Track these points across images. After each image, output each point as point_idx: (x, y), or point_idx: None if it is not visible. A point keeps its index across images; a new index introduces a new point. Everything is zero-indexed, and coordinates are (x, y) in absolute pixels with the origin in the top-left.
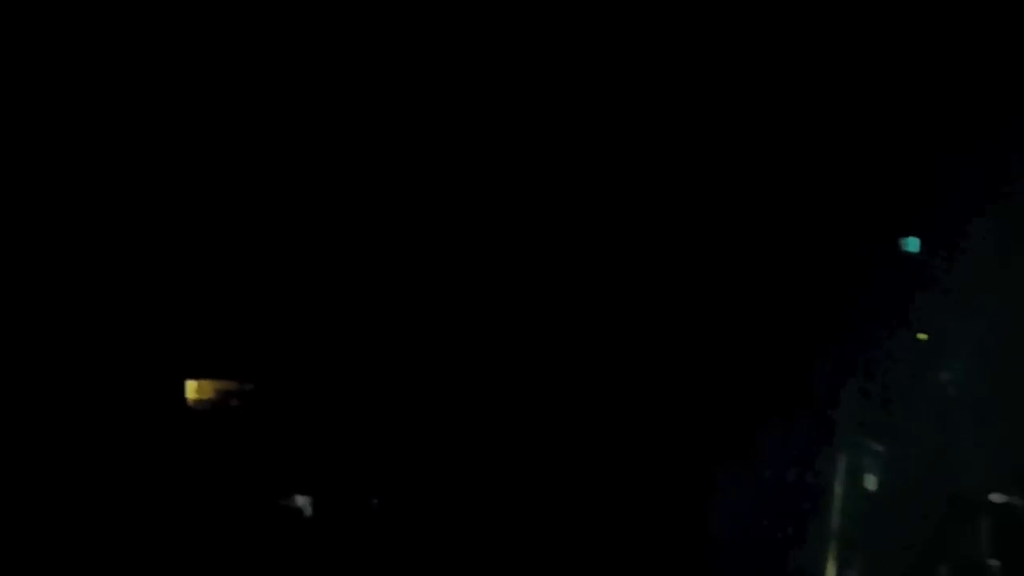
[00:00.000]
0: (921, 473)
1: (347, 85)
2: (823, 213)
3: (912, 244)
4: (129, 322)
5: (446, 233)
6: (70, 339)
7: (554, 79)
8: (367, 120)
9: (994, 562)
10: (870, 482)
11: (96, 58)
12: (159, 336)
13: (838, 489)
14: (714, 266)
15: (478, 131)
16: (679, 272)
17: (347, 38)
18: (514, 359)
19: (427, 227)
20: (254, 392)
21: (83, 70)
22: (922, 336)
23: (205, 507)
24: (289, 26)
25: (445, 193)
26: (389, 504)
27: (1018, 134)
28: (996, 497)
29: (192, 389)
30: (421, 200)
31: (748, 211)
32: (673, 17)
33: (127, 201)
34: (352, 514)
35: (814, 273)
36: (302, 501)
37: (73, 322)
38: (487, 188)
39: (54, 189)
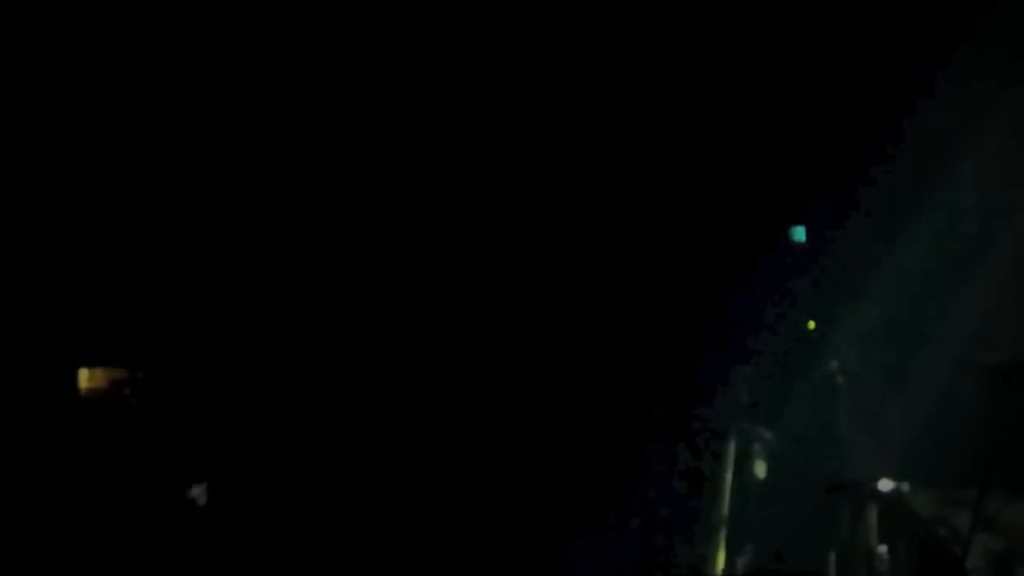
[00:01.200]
0: (809, 460)
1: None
2: (710, 203)
3: (799, 233)
4: (20, 310)
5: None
6: None
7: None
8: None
9: (882, 548)
10: (759, 469)
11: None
12: (51, 324)
13: (726, 476)
14: (602, 255)
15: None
16: (568, 261)
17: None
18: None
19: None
20: (146, 380)
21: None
22: (810, 324)
23: (97, 498)
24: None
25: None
26: (284, 493)
27: (901, 126)
28: (883, 484)
29: (84, 378)
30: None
31: (637, 202)
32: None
33: (19, 188)
34: (248, 504)
35: (702, 262)
36: (197, 491)
37: None
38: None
39: None
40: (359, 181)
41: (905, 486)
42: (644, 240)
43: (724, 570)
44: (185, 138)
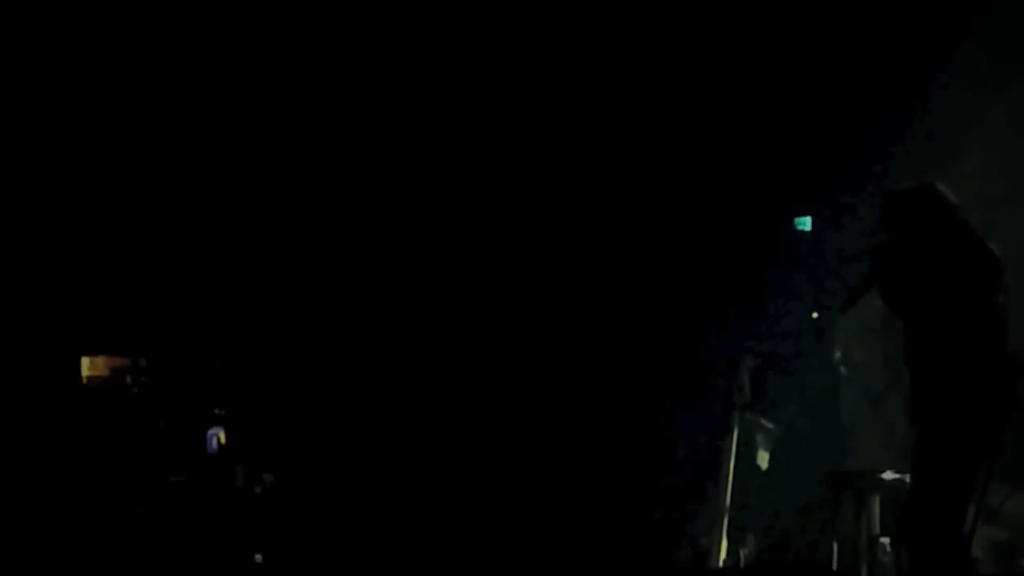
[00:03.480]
0: (813, 451)
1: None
2: (719, 195)
3: (804, 223)
4: (23, 299)
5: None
6: None
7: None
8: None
9: (884, 539)
10: (761, 459)
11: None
12: (54, 314)
13: (731, 466)
14: (612, 247)
15: None
16: (575, 255)
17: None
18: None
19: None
20: (148, 368)
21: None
22: (813, 315)
23: (98, 484)
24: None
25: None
26: (285, 479)
27: (905, 120)
28: (887, 475)
29: (87, 366)
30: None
31: (647, 195)
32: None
33: (18, 182)
34: (240, 491)
35: (709, 254)
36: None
37: None
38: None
39: None
40: (356, 178)
41: (908, 477)
42: (651, 236)
43: (727, 559)
44: (185, 134)
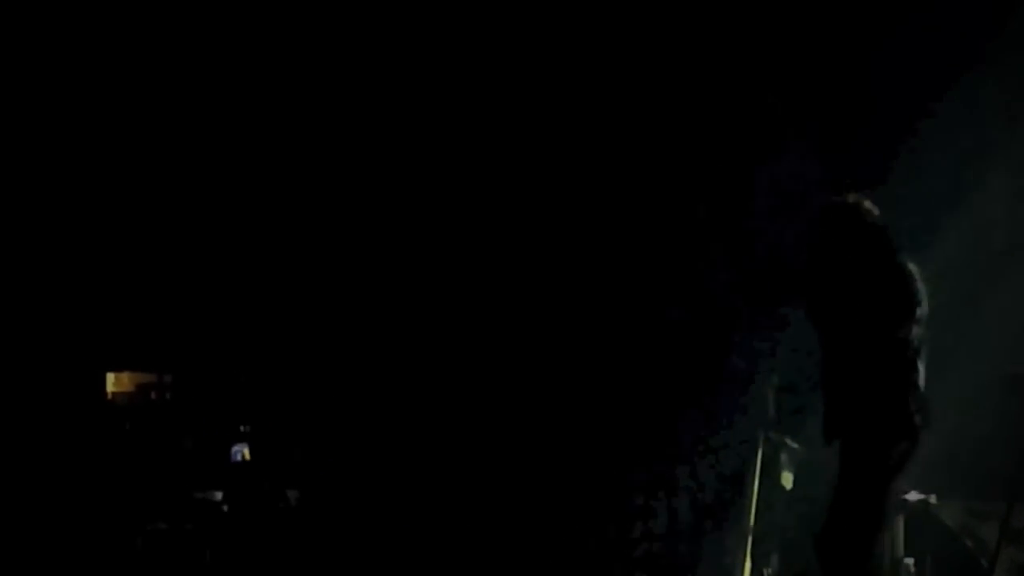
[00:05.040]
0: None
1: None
2: (736, 214)
3: None
4: (49, 316)
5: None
6: None
7: None
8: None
9: (908, 560)
10: (786, 479)
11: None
12: (79, 330)
13: (754, 486)
14: (628, 262)
15: None
16: (593, 266)
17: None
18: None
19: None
20: (173, 385)
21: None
22: None
23: (122, 500)
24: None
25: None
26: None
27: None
28: (910, 496)
29: (112, 382)
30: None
31: (662, 212)
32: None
33: (46, 197)
34: (270, 509)
35: (736, 272)
36: (220, 495)
37: None
38: None
39: None
40: (386, 203)
41: (932, 498)
42: (670, 252)
43: None
44: (213, 154)
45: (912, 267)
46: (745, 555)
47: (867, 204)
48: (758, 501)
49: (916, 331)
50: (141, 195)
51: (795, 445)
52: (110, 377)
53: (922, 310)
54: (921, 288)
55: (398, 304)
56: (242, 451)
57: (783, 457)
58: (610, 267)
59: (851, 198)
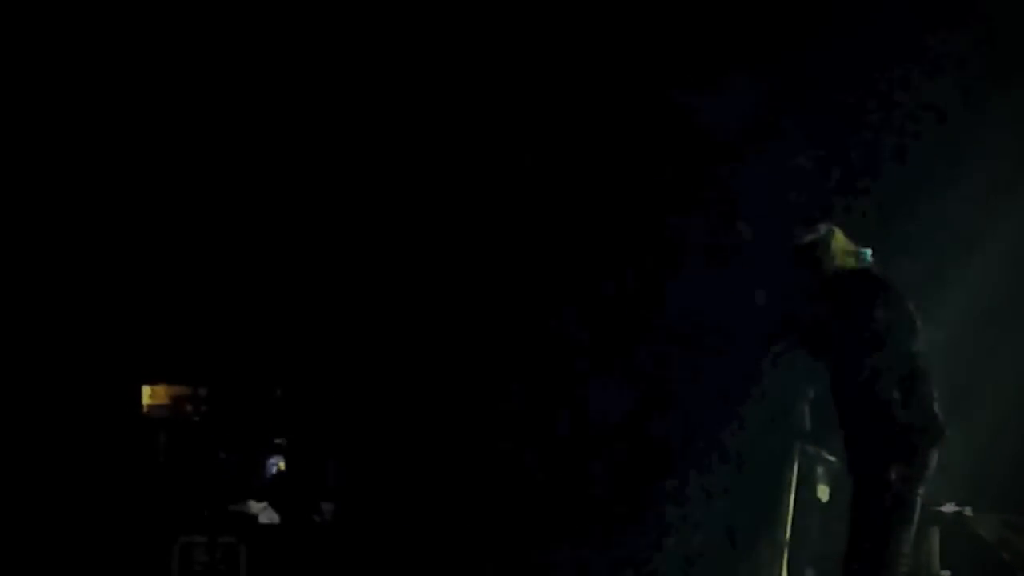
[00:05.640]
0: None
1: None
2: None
3: (865, 256)
4: (86, 328)
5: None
6: (27, 344)
7: None
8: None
9: (945, 573)
10: (821, 492)
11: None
12: (115, 342)
13: (790, 499)
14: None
15: None
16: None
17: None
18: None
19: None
20: (208, 397)
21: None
22: None
23: (158, 513)
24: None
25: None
26: (342, 508)
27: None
28: (946, 508)
29: (147, 395)
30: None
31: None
32: None
33: (79, 209)
34: (306, 520)
35: (770, 288)
36: (256, 507)
37: (30, 327)
38: None
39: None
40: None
41: (968, 510)
42: (716, 265)
43: None
44: (250, 169)
45: (897, 290)
46: (781, 568)
47: (839, 233)
48: (794, 514)
49: (913, 349)
50: (179, 209)
51: (831, 458)
52: (146, 390)
53: (911, 330)
54: (911, 309)
55: (435, 320)
56: (278, 464)
57: (819, 470)
58: (627, 276)
59: (822, 229)
